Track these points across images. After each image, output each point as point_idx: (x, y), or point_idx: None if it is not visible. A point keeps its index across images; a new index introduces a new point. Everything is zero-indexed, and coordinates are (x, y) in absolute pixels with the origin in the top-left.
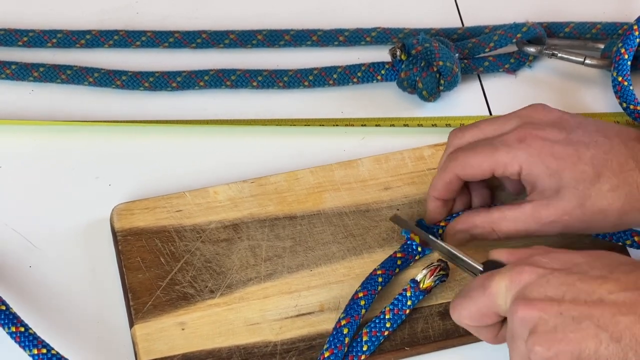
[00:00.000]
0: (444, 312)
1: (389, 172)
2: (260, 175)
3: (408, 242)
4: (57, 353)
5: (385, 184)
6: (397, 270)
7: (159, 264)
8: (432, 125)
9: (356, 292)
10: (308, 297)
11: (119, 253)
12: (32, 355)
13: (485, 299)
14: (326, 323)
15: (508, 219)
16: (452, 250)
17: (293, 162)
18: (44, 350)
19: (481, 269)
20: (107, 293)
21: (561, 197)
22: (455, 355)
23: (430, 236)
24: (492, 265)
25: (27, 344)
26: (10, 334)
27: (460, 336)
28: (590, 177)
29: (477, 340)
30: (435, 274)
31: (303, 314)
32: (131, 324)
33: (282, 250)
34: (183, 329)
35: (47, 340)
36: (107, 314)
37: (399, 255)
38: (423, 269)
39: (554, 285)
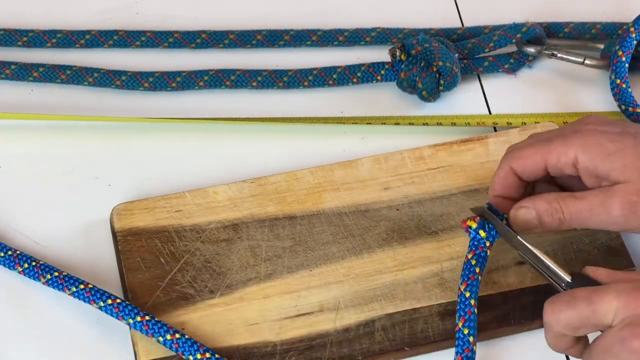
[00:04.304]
0: (444, 312)
1: (388, 172)
2: (259, 175)
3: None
4: (220, 357)
5: (385, 184)
6: (478, 270)
7: (159, 264)
8: (424, 124)
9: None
10: (308, 297)
11: (118, 253)
12: None
13: (589, 314)
14: (326, 323)
15: (577, 196)
16: (537, 254)
17: (293, 162)
18: (208, 355)
19: (569, 280)
20: None
21: (626, 178)
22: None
23: (518, 237)
24: (581, 281)
25: (187, 349)
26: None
27: None
28: None
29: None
30: None
31: (303, 314)
32: None
33: (282, 251)
34: (183, 329)
35: (47, 340)
36: (106, 314)
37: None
38: None
39: None
